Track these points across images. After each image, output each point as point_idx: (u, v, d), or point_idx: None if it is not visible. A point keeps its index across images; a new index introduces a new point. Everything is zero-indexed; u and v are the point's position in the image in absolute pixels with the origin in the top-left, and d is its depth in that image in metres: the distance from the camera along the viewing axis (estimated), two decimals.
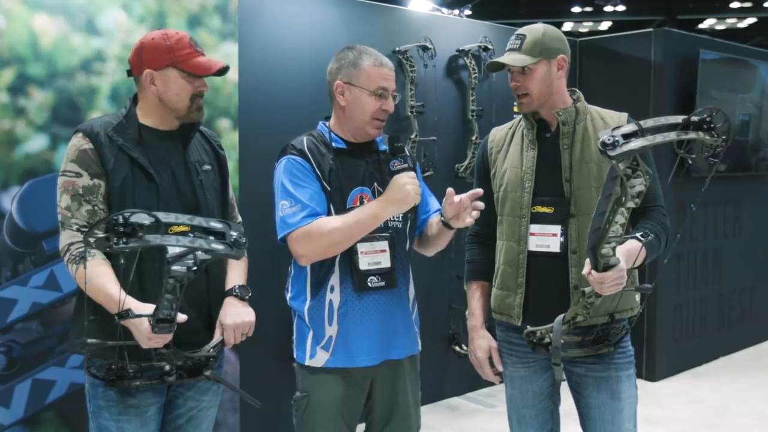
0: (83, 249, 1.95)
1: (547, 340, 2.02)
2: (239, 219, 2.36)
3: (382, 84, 2.14)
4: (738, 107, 5.35)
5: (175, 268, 1.66)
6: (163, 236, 1.58)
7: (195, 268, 1.68)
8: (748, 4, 14.68)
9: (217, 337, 2.07)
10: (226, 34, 3.04)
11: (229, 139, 3.08)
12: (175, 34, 2.06)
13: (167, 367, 1.94)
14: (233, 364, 3.15)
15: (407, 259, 2.27)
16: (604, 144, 1.66)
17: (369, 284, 2.15)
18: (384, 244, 2.17)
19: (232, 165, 3.09)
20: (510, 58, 2.13)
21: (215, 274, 2.16)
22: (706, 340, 5.38)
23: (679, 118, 1.71)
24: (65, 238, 1.99)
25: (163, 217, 1.59)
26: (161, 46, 2.03)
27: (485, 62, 4.47)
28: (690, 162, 1.72)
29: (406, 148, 2.17)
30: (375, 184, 2.19)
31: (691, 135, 1.68)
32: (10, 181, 2.50)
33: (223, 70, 2.10)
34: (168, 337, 1.85)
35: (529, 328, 2.07)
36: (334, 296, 2.15)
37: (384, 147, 2.27)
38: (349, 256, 2.13)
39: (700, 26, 16.35)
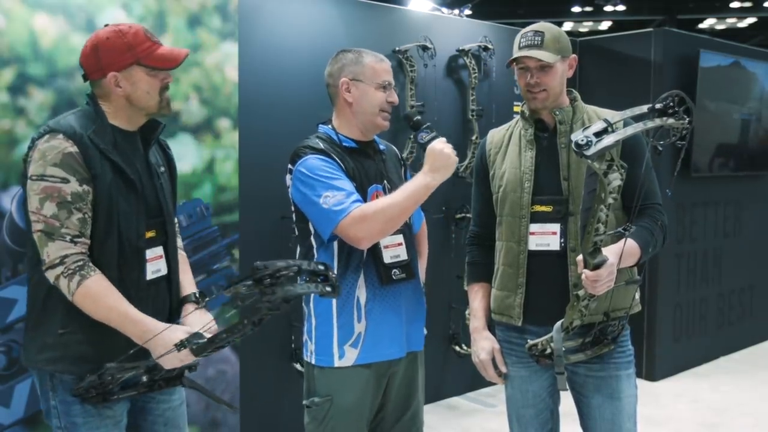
0: (82, 263, 1.84)
1: (549, 350, 2.02)
2: (176, 220, 2.29)
3: (386, 77, 2.22)
4: (738, 108, 5.35)
5: (269, 304, 1.63)
6: (301, 285, 1.62)
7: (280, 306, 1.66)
8: (748, 4, 14.68)
9: None
10: (226, 34, 3.04)
11: (229, 139, 3.08)
12: (129, 29, 1.92)
13: (144, 378, 1.91)
14: (233, 364, 3.15)
15: (416, 251, 2.33)
16: (578, 145, 1.69)
17: (393, 276, 2.18)
18: (400, 238, 2.22)
19: (232, 165, 3.10)
20: (540, 54, 2.11)
21: (176, 281, 2.11)
22: (706, 340, 5.38)
23: (644, 108, 1.75)
24: (56, 249, 1.84)
25: (299, 264, 1.62)
26: (120, 45, 1.90)
27: (485, 62, 4.47)
28: (661, 149, 1.75)
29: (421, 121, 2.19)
30: (385, 181, 2.23)
31: (657, 122, 1.72)
32: (10, 181, 2.50)
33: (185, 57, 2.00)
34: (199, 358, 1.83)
35: (530, 342, 2.07)
36: (361, 292, 2.16)
37: (383, 147, 2.32)
38: (374, 250, 2.16)
39: (700, 26, 16.35)
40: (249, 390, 3.46)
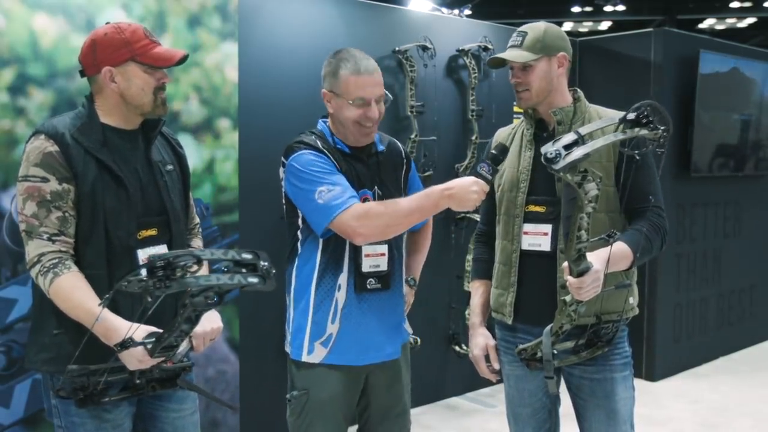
0: (57, 261, 1.85)
1: (539, 354, 2.01)
2: (197, 220, 2.31)
3: (360, 94, 2.11)
4: (738, 108, 5.35)
5: (197, 299, 1.58)
6: (207, 276, 1.51)
7: (216, 299, 1.60)
8: (748, 4, 14.68)
9: (185, 344, 1.95)
10: (226, 34, 3.04)
11: (229, 139, 3.08)
12: (128, 27, 1.95)
13: (137, 381, 1.88)
14: (233, 364, 3.15)
15: (401, 261, 2.30)
16: (547, 159, 1.69)
17: (368, 286, 2.17)
18: (384, 248, 2.20)
19: (231, 165, 3.10)
20: (510, 54, 2.15)
21: None
22: (706, 340, 5.38)
23: (616, 120, 1.74)
24: (34, 248, 1.86)
25: (200, 253, 1.51)
26: (117, 41, 1.91)
27: (485, 62, 4.47)
28: (638, 158, 1.75)
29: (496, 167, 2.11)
30: (375, 186, 2.21)
31: (629, 134, 1.71)
32: (10, 181, 2.50)
33: (184, 59, 2.00)
34: (159, 360, 1.79)
35: (520, 346, 2.08)
36: (340, 295, 2.15)
37: (382, 147, 2.28)
38: (355, 257, 2.15)
39: (700, 26, 16.35)
40: (249, 390, 3.46)
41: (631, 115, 1.71)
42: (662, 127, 1.70)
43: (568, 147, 1.69)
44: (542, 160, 1.70)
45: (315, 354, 2.16)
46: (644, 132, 1.70)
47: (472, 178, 2.01)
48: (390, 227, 2.07)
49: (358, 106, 2.11)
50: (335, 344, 2.16)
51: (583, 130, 1.73)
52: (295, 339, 2.21)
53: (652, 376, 4.94)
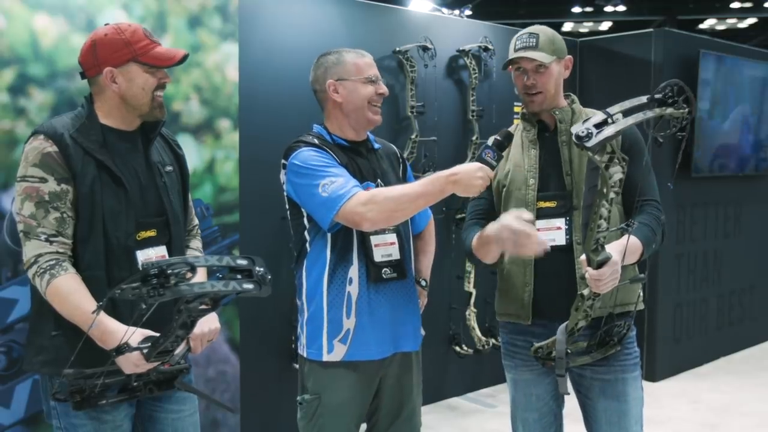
0: (54, 262, 1.84)
1: (554, 353, 2.00)
2: (196, 222, 2.31)
3: (370, 72, 2.22)
4: (738, 108, 5.35)
5: (192, 305, 1.58)
6: (201, 284, 1.50)
7: (211, 305, 1.61)
8: (748, 4, 14.70)
9: (182, 347, 1.93)
10: (226, 34, 3.04)
11: (229, 139, 3.08)
12: (128, 27, 1.96)
13: (134, 383, 1.88)
14: (233, 365, 3.15)
15: (411, 250, 2.31)
16: (578, 137, 1.69)
17: (383, 276, 2.17)
18: (393, 237, 2.21)
19: (232, 165, 3.10)
20: (536, 54, 2.13)
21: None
22: (706, 340, 5.38)
23: (643, 99, 1.75)
24: (31, 248, 1.86)
25: (194, 261, 1.51)
26: (117, 42, 1.92)
27: (485, 62, 4.47)
28: (661, 140, 1.75)
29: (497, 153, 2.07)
30: (378, 179, 2.22)
31: (657, 111, 1.72)
32: (10, 181, 2.50)
33: (184, 58, 2.00)
34: (155, 364, 1.79)
35: (536, 344, 2.07)
36: (352, 288, 2.15)
37: (378, 146, 2.32)
38: (365, 248, 2.15)
39: (700, 26, 16.35)
40: (249, 390, 3.46)
41: (658, 95, 1.72)
42: (687, 108, 1.70)
43: (599, 126, 1.69)
44: (573, 139, 1.70)
45: (335, 352, 2.16)
46: (670, 110, 1.70)
47: (476, 164, 2.01)
48: (396, 212, 2.05)
49: (372, 83, 2.20)
50: (354, 339, 2.15)
51: (612, 110, 1.73)
52: (313, 340, 2.19)
53: (653, 376, 4.93)
